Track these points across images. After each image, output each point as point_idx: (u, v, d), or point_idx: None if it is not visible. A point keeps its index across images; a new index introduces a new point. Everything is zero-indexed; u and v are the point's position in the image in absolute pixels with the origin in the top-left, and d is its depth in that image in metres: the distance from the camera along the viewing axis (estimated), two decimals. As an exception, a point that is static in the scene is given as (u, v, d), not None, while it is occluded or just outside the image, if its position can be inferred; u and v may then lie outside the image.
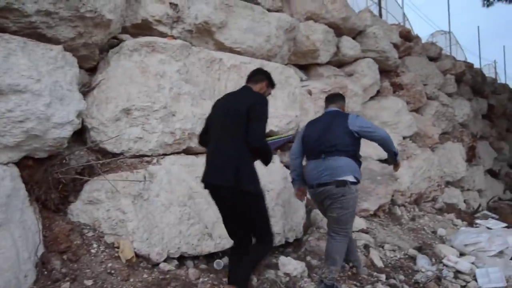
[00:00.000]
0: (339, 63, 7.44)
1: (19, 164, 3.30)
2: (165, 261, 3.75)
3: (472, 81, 11.96)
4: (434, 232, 6.43)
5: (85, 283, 3.13)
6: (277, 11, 6.13)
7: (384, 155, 5.83)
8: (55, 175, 3.51)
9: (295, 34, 6.17)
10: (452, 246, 5.68)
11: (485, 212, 9.04)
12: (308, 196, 4.36)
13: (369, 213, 6.21)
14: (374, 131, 3.96)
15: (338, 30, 7.21)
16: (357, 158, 3.95)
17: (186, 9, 4.82)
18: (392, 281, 4.46)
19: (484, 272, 4.85)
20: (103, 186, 3.66)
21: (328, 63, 7.12)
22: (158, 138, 4.08)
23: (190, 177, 4.12)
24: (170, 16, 4.73)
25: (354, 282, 4.30)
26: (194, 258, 4.04)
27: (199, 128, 4.31)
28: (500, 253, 5.34)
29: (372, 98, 7.91)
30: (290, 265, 4.26)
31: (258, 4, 5.75)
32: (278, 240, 4.54)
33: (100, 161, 3.83)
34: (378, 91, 8.13)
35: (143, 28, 4.68)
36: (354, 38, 7.68)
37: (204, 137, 3.49)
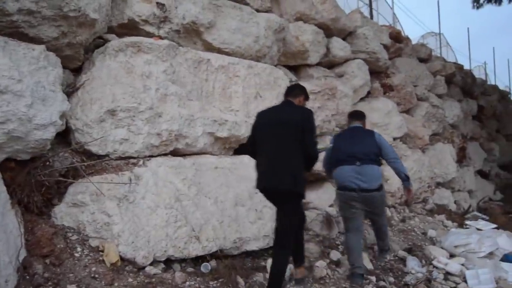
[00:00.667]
0: (329, 64, 7.42)
1: (1, 166, 3.23)
2: (151, 264, 3.68)
3: (462, 82, 12.00)
4: (425, 234, 6.42)
5: (68, 287, 3.06)
6: (266, 11, 6.08)
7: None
8: (38, 177, 3.45)
9: (285, 34, 6.13)
10: (442, 248, 5.66)
11: (476, 213, 9.06)
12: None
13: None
14: (392, 151, 4.70)
15: (328, 31, 7.19)
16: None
17: (174, 9, 4.77)
18: (382, 283, 4.44)
19: (474, 273, 4.83)
20: (87, 189, 3.60)
21: (318, 64, 7.09)
22: (144, 140, 4.02)
23: (177, 179, 4.06)
24: (157, 16, 4.67)
25: (344, 286, 4.27)
26: (181, 261, 3.97)
27: (186, 129, 4.27)
28: (490, 254, 5.33)
29: (362, 99, 7.89)
30: (278, 267, 4.20)
31: (247, 4, 5.71)
32: (266, 242, 4.50)
33: (85, 163, 3.77)
34: (369, 92, 8.12)
35: (130, 28, 4.61)
36: (344, 39, 7.66)
37: (252, 147, 3.86)
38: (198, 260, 4.03)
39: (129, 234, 3.59)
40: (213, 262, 4.04)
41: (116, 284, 3.26)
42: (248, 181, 4.56)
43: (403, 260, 5.16)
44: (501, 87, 18.86)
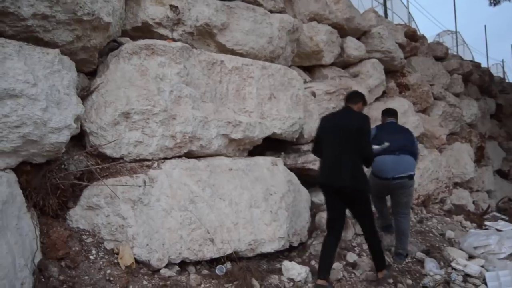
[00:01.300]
0: (344, 64, 7.36)
1: (17, 169, 3.25)
2: (166, 267, 3.69)
3: (479, 81, 11.83)
4: (442, 235, 6.31)
5: (83, 290, 3.08)
6: (280, 12, 6.06)
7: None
8: (54, 180, 3.46)
9: (298, 35, 6.10)
10: (461, 249, 5.56)
11: (495, 213, 8.90)
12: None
13: (376, 216, 6.09)
14: (417, 147, 5.44)
15: (342, 30, 7.14)
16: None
17: (187, 11, 4.77)
18: (399, 285, 4.38)
19: (494, 275, 4.73)
20: (102, 191, 3.61)
21: (333, 64, 7.04)
22: (158, 142, 4.02)
23: (191, 181, 4.05)
24: (171, 19, 4.68)
25: None
26: (196, 263, 3.96)
27: (200, 131, 4.26)
28: (511, 256, 5.22)
29: (377, 99, 7.82)
30: (294, 270, 4.19)
31: (260, 5, 5.69)
32: (282, 244, 4.47)
33: (99, 166, 3.78)
34: (384, 92, 8.04)
35: (144, 31, 4.64)
36: (358, 38, 7.61)
37: (317, 148, 4.41)
38: (213, 263, 4.03)
39: (143, 237, 3.59)
40: (228, 265, 4.02)
41: (131, 286, 3.26)
42: (263, 182, 4.54)
43: (421, 262, 5.08)
44: (520, 85, 18.52)
